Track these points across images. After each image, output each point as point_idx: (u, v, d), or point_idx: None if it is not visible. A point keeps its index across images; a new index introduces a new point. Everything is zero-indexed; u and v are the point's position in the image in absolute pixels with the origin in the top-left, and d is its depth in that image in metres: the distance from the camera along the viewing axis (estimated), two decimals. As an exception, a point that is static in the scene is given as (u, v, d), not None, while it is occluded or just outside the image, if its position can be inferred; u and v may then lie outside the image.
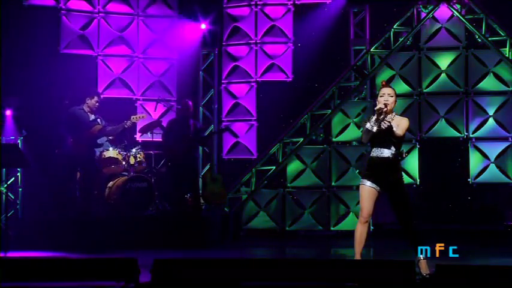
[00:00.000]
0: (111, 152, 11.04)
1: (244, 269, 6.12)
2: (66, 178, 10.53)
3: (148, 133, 11.53)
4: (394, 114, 6.90)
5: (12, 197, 11.52)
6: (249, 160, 12.90)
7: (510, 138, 12.03)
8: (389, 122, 6.80)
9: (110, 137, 11.30)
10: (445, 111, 12.15)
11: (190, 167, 11.29)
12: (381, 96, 6.87)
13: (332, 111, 12.46)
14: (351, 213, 12.07)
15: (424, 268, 6.62)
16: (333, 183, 12.31)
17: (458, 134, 12.11)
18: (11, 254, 8.57)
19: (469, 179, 12.06)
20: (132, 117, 10.70)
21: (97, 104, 10.48)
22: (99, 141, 11.08)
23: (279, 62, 12.76)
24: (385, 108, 6.77)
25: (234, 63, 12.96)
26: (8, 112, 11.49)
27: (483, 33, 12.16)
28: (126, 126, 10.57)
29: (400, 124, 6.84)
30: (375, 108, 6.81)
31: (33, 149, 11.26)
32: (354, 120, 12.32)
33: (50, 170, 10.82)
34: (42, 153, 11.01)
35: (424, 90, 12.24)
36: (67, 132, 10.41)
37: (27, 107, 11.56)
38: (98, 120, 10.50)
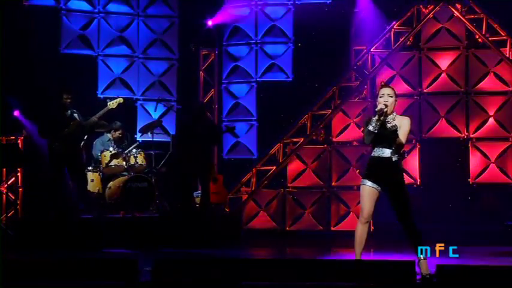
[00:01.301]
0: (111, 152, 11.04)
1: (244, 269, 6.12)
2: (58, 177, 10.34)
3: (149, 133, 11.53)
4: (395, 114, 6.89)
5: (13, 197, 11.53)
6: (249, 160, 12.90)
7: (510, 138, 12.03)
8: (391, 124, 6.79)
9: (116, 133, 11.25)
10: (445, 111, 12.15)
11: (204, 166, 11.08)
12: (380, 97, 6.86)
13: (332, 111, 12.46)
14: (351, 213, 12.08)
15: (424, 268, 6.62)
16: (333, 183, 12.32)
17: (458, 134, 12.12)
18: (11, 255, 8.56)
19: (469, 179, 12.06)
20: (108, 103, 10.43)
21: (68, 100, 10.17)
22: (100, 139, 11.06)
23: (279, 62, 12.77)
24: (386, 109, 6.76)
25: (234, 63, 12.97)
26: (16, 113, 11.54)
27: (483, 33, 12.16)
28: (96, 118, 10.28)
29: (401, 126, 6.83)
30: (376, 110, 6.80)
31: (33, 149, 11.26)
32: (354, 120, 12.33)
33: (43, 170, 10.74)
34: (41, 153, 10.99)
35: (424, 90, 12.24)
36: (49, 132, 10.21)
37: (27, 107, 11.58)
38: (75, 115, 10.25)
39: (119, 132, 11.37)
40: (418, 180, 12.06)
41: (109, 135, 11.44)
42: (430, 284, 6.16)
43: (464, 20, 12.20)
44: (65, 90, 10.12)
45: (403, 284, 5.90)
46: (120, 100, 10.47)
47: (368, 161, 6.98)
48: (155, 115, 12.52)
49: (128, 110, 12.18)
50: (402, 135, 6.79)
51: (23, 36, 11.67)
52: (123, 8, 12.74)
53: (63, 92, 10.09)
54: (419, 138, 12.19)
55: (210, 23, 12.88)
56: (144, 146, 11.63)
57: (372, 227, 11.55)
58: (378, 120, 6.73)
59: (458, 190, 12.58)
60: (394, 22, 12.50)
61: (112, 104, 10.32)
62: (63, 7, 12.35)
